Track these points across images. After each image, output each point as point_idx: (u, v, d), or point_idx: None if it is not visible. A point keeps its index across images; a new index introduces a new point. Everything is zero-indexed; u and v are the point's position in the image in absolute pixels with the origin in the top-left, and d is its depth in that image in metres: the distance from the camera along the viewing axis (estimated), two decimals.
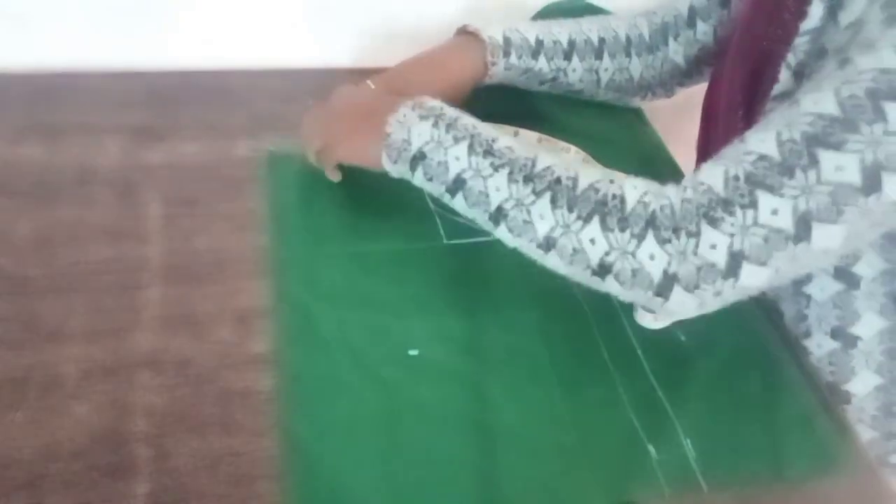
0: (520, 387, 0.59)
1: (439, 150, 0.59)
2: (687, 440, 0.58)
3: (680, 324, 0.64)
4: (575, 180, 0.56)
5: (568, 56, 0.76)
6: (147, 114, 0.77)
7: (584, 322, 0.64)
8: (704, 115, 0.78)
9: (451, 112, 0.62)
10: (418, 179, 0.61)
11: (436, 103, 0.62)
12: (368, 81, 0.71)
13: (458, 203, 0.60)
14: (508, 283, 0.66)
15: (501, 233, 0.58)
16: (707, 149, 0.75)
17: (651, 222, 0.53)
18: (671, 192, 0.55)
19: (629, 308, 0.65)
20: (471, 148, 0.58)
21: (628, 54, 0.79)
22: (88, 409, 0.53)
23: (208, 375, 0.56)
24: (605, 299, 0.61)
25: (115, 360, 0.56)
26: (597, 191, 0.55)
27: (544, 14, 0.88)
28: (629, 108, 0.87)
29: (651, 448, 0.57)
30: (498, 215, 0.57)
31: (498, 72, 0.74)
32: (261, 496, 0.51)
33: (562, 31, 0.76)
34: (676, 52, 0.80)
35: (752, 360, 0.65)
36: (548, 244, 0.56)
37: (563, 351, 0.62)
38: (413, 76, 0.72)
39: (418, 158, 0.60)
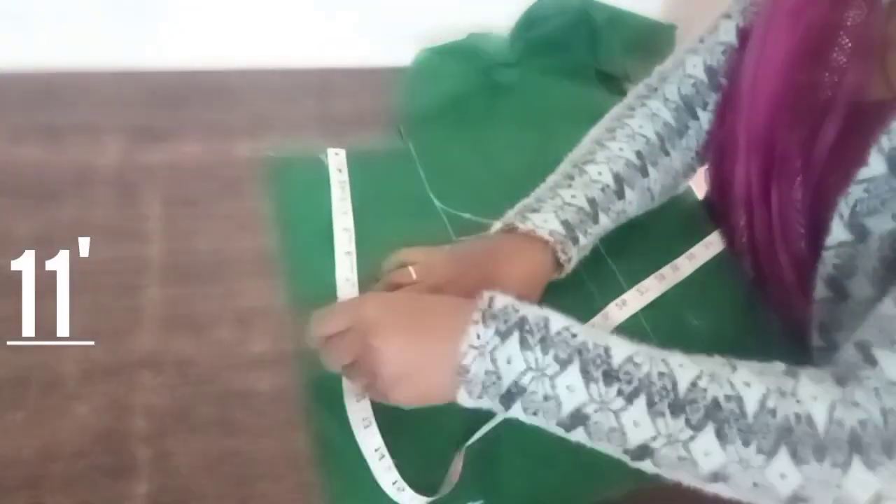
0: None
1: (542, 382, 0.47)
2: None
3: (690, 308, 0.67)
4: (740, 401, 0.46)
5: (621, 194, 0.65)
6: (147, 114, 0.77)
7: (593, 310, 0.65)
8: (718, 151, 0.72)
9: (533, 314, 0.49)
10: (516, 413, 0.49)
11: (507, 302, 0.50)
12: (410, 268, 0.59)
13: (577, 436, 0.48)
14: None
15: (645, 466, 0.48)
16: (723, 187, 0.71)
17: (855, 445, 0.45)
18: (862, 399, 0.46)
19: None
20: (585, 373, 0.47)
21: (667, 153, 0.69)
22: (88, 409, 0.53)
23: (208, 375, 0.56)
24: (615, 285, 0.64)
25: (115, 360, 0.56)
26: (773, 413, 0.46)
27: (537, 8, 0.88)
28: None
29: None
30: (641, 453, 0.47)
31: (574, 264, 0.63)
32: (261, 496, 0.51)
33: (600, 168, 0.65)
34: (709, 120, 0.71)
35: (760, 352, 0.65)
36: (717, 477, 0.46)
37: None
38: (468, 281, 0.57)
39: (515, 394, 0.48)
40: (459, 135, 0.80)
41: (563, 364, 0.47)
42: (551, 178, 0.66)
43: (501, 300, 0.50)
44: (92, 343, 0.56)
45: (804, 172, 0.60)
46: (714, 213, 0.76)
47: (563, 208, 0.62)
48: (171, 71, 0.81)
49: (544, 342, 0.48)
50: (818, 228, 0.58)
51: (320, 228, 0.68)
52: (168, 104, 0.78)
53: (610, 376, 0.47)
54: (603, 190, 0.64)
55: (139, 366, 0.56)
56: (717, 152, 0.72)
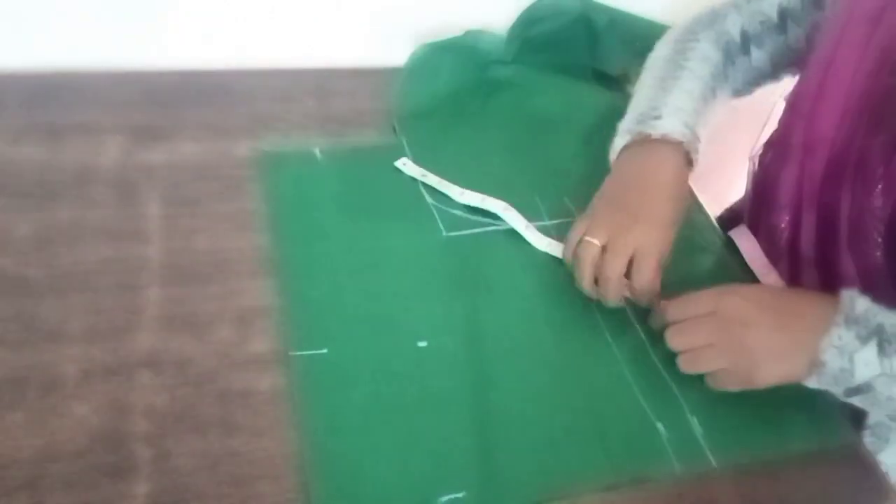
0: (528, 373, 0.60)
1: (892, 385, 0.53)
2: (693, 417, 0.59)
3: None
4: None
5: (714, 95, 0.70)
6: (147, 114, 0.77)
7: (586, 308, 0.65)
8: (766, 151, 0.74)
9: (890, 321, 0.54)
10: (852, 401, 0.56)
11: (866, 305, 0.54)
12: (589, 238, 0.62)
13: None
14: (510, 271, 0.67)
15: None
16: (766, 189, 0.72)
17: None
18: None
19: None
20: None
21: (727, 77, 0.73)
22: (88, 409, 0.53)
23: (208, 375, 0.56)
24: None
25: (115, 360, 0.56)
26: None
27: (536, 9, 0.89)
28: None
29: (660, 426, 0.58)
30: None
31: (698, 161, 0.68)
32: (261, 496, 0.51)
33: (697, 67, 0.70)
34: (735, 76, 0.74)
35: None
36: None
37: (568, 336, 0.63)
38: (638, 208, 0.63)
39: (863, 390, 0.54)
40: (453, 131, 0.80)
41: None
42: (647, 83, 0.70)
43: (862, 303, 0.54)
44: (92, 343, 0.57)
45: (885, 179, 0.59)
46: (749, 215, 0.76)
47: (679, 110, 0.66)
48: (171, 71, 0.81)
49: None
50: None
51: (314, 222, 0.68)
52: (168, 104, 0.78)
53: None
54: (703, 96, 0.68)
55: (139, 366, 0.56)
56: (765, 152, 0.74)
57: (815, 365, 0.54)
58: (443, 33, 0.85)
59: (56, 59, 0.78)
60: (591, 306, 0.65)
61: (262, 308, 0.61)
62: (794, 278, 0.70)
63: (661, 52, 0.74)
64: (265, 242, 0.66)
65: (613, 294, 0.62)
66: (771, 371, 0.56)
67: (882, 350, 0.52)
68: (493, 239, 0.68)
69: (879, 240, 0.60)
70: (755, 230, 0.75)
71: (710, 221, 0.77)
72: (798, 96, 0.69)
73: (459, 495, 0.52)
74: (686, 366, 0.59)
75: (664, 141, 0.65)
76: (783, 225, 0.70)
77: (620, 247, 0.61)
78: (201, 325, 0.59)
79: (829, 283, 0.65)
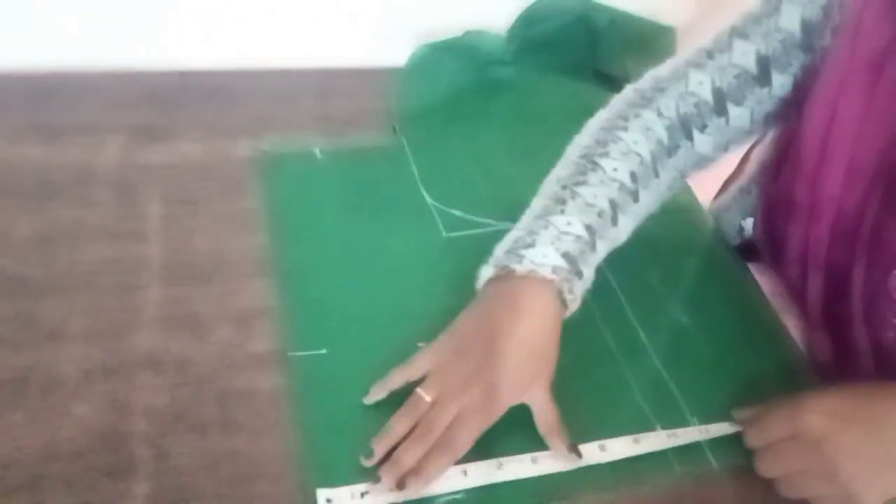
0: None
1: None
2: (693, 419, 0.59)
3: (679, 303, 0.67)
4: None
5: (615, 220, 0.60)
6: (147, 114, 0.77)
7: (585, 309, 0.64)
8: (769, 205, 0.68)
9: None
10: None
11: None
12: (421, 393, 0.54)
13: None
14: None
15: None
16: (775, 241, 0.67)
17: None
18: None
19: (630, 293, 0.67)
20: None
21: (657, 174, 0.63)
22: (88, 409, 0.53)
23: (208, 375, 0.56)
24: (607, 285, 0.63)
25: (115, 360, 0.56)
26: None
27: (537, 9, 0.88)
28: None
29: (660, 429, 0.58)
30: None
31: (580, 303, 0.58)
32: (261, 496, 0.51)
33: (595, 191, 0.59)
34: (704, 143, 0.65)
35: (753, 339, 0.66)
36: None
37: (567, 337, 0.62)
38: (482, 365, 0.54)
39: None
40: (453, 131, 0.80)
41: None
42: (538, 203, 0.60)
43: None
44: (92, 343, 0.57)
45: None
46: (762, 252, 0.72)
47: (559, 238, 0.57)
48: (171, 71, 0.81)
49: None
50: None
51: (314, 222, 0.68)
52: (168, 104, 0.78)
53: None
54: (599, 215, 0.58)
55: (139, 366, 0.56)
56: (767, 206, 0.68)
57: None
58: (443, 33, 0.85)
59: (56, 59, 0.78)
60: (591, 308, 0.65)
61: (263, 308, 0.61)
62: (807, 334, 0.67)
63: (579, 140, 0.64)
64: (265, 242, 0.66)
65: (423, 442, 0.52)
66: (877, 491, 0.51)
67: None
68: (492, 239, 0.67)
69: (895, 321, 0.57)
70: (768, 263, 0.71)
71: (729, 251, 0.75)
72: (801, 151, 0.61)
73: (458, 496, 0.52)
74: (787, 492, 0.55)
75: (531, 278, 0.55)
76: (794, 277, 0.66)
77: (450, 402, 0.53)
78: (201, 325, 0.59)
79: (842, 351, 0.63)
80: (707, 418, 0.59)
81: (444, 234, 0.69)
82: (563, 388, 0.58)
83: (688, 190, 0.78)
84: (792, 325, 0.68)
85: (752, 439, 0.56)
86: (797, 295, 0.66)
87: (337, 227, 0.68)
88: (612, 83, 0.90)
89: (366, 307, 0.62)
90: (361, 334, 0.60)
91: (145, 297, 0.60)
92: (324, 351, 0.59)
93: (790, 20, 0.61)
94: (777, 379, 0.63)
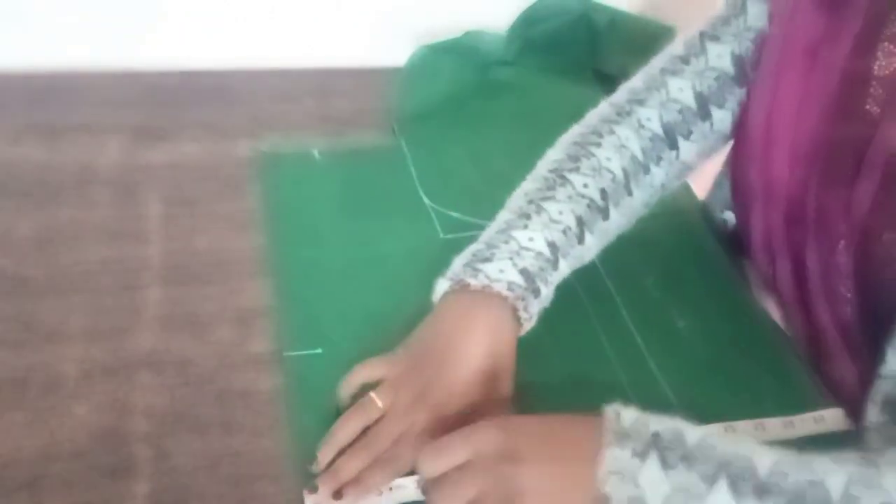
0: (522, 374, 0.59)
1: (689, 502, 0.44)
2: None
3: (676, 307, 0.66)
4: None
5: (581, 238, 0.58)
6: (147, 114, 0.77)
7: (582, 310, 0.65)
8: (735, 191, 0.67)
9: (664, 427, 0.46)
10: None
11: (634, 416, 0.47)
12: (375, 397, 0.53)
13: None
14: None
15: None
16: (744, 229, 0.67)
17: None
18: None
19: (625, 296, 0.66)
20: (735, 490, 0.43)
21: (630, 192, 0.61)
22: (88, 409, 0.53)
23: (208, 375, 0.56)
24: (602, 288, 0.64)
25: (115, 360, 0.56)
26: None
27: (537, 9, 0.88)
28: None
29: None
30: None
31: (535, 321, 0.57)
32: (261, 496, 0.51)
33: (561, 207, 0.58)
34: (689, 150, 0.65)
35: (750, 344, 0.65)
36: None
37: (563, 338, 0.62)
38: (432, 380, 0.53)
39: None
40: (453, 133, 0.80)
41: (711, 481, 0.44)
42: (502, 216, 0.59)
43: (628, 415, 0.47)
44: (92, 343, 0.57)
45: (847, 237, 0.54)
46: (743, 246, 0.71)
47: (519, 254, 0.55)
48: (171, 71, 0.81)
49: (686, 460, 0.45)
50: (871, 291, 0.54)
51: (311, 223, 0.68)
52: (168, 104, 0.78)
53: (761, 490, 0.43)
54: (564, 232, 0.57)
55: (139, 366, 0.56)
56: (733, 196, 0.68)
57: (600, 501, 0.45)
58: (443, 34, 0.85)
59: (56, 59, 0.78)
60: (586, 309, 0.65)
61: (262, 308, 0.61)
62: (785, 321, 0.67)
63: (550, 154, 0.63)
64: (264, 243, 0.66)
65: (366, 456, 0.51)
66: None
67: (665, 462, 0.44)
68: None
69: (849, 295, 0.56)
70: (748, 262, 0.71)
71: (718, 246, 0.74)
72: (748, 135, 0.62)
73: None
74: None
75: (486, 293, 0.54)
76: (765, 265, 0.66)
77: (400, 416, 0.52)
78: (201, 325, 0.59)
79: (815, 336, 0.62)
80: (701, 420, 0.59)
81: (441, 235, 0.69)
82: (559, 393, 0.58)
83: (687, 191, 0.78)
84: (774, 314, 0.68)
85: (426, 467, 0.48)
86: (770, 282, 0.66)
87: (334, 228, 0.68)
88: (612, 83, 0.90)
89: (362, 308, 0.62)
90: (357, 335, 0.60)
91: (145, 297, 0.60)
92: (319, 351, 0.59)
93: (758, 18, 0.62)
94: (774, 383, 0.63)
